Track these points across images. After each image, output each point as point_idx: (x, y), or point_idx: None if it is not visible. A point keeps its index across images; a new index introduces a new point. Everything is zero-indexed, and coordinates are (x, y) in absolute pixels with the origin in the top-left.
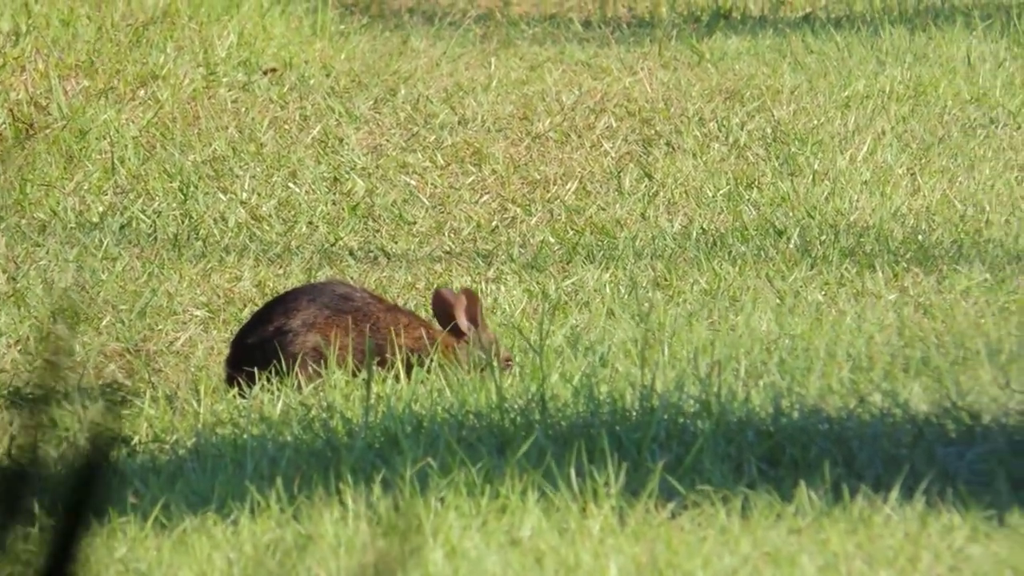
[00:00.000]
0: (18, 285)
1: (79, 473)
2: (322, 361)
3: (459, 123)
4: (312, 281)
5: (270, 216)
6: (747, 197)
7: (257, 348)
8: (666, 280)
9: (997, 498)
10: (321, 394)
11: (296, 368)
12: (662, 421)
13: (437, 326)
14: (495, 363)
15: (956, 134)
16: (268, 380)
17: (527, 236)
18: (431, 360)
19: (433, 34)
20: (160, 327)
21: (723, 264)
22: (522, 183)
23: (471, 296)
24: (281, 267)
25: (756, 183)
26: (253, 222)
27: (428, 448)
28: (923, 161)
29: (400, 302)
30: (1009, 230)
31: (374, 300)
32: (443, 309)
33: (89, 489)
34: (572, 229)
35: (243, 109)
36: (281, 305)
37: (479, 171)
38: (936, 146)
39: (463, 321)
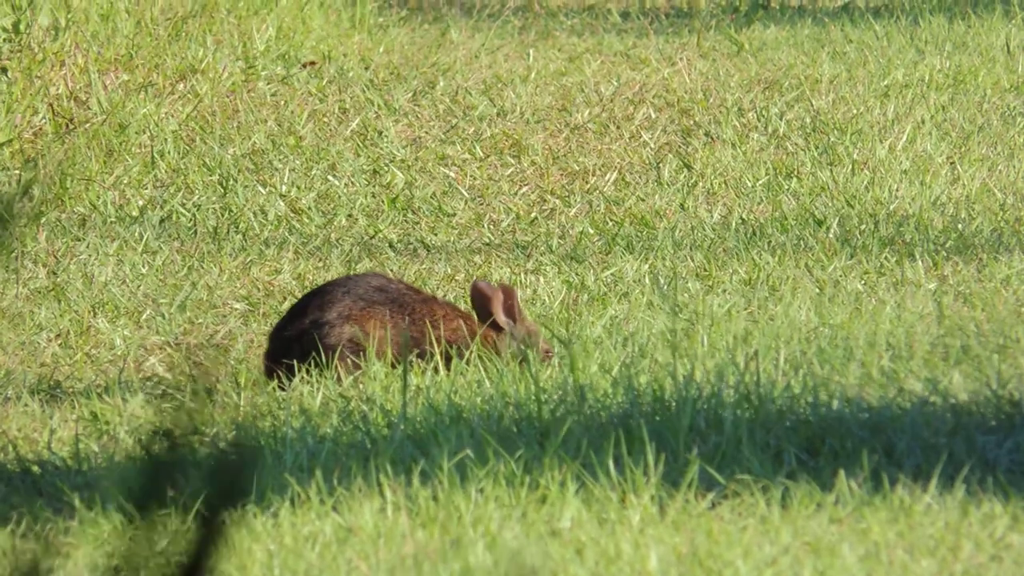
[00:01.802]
0: (58, 279)
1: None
2: (361, 353)
3: (498, 115)
4: (349, 274)
5: (309, 209)
6: (786, 187)
7: (295, 341)
8: (705, 270)
9: None
10: (360, 386)
11: (335, 360)
12: (701, 411)
13: (476, 317)
14: (531, 354)
15: (996, 122)
16: (307, 372)
17: (566, 227)
18: (470, 352)
19: (472, 26)
20: (200, 320)
21: (762, 254)
22: (561, 174)
23: (508, 291)
24: (321, 260)
25: (795, 173)
26: (293, 215)
27: (467, 439)
28: (963, 150)
29: (440, 294)
30: None
31: (410, 291)
32: (480, 303)
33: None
34: (611, 220)
35: (282, 102)
36: (316, 298)
37: (518, 163)
38: (976, 135)
39: (501, 316)
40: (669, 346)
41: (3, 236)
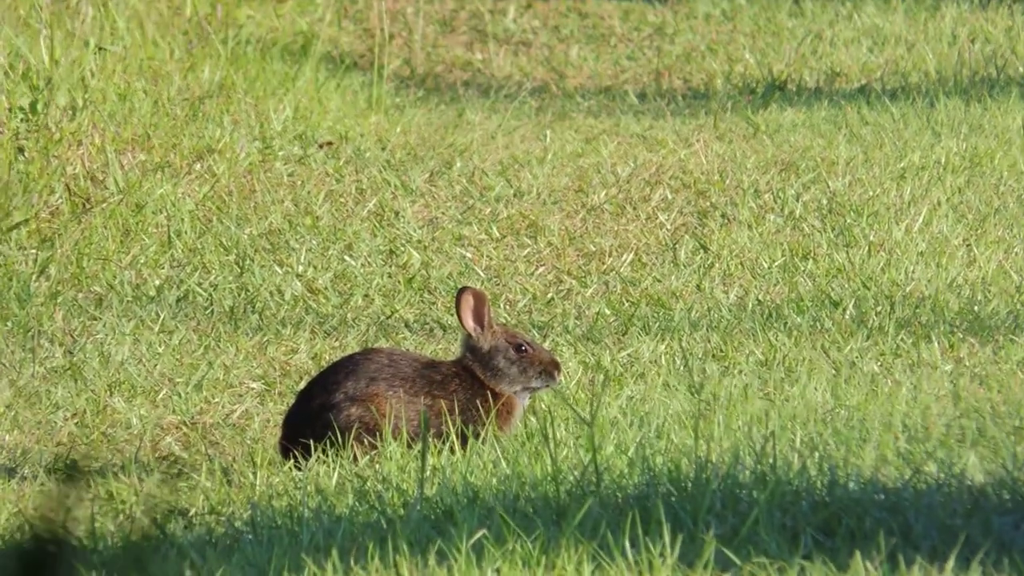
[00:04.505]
0: (75, 358)
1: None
2: (376, 433)
3: (514, 195)
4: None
5: (326, 289)
6: (803, 268)
7: (306, 427)
8: (722, 351)
9: None
10: (376, 466)
11: (351, 441)
12: (717, 492)
13: (479, 372)
14: (536, 383)
15: (1012, 205)
16: (323, 452)
17: (582, 308)
18: (486, 430)
19: (488, 107)
20: (216, 400)
21: (779, 335)
22: (577, 255)
23: (478, 296)
24: (337, 340)
25: (812, 254)
26: (309, 295)
27: (483, 519)
28: (979, 232)
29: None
30: None
31: (408, 359)
32: (459, 308)
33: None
34: (627, 301)
35: (299, 182)
36: (320, 381)
37: (535, 243)
38: (992, 217)
39: (469, 322)
40: (688, 427)
41: (20, 315)
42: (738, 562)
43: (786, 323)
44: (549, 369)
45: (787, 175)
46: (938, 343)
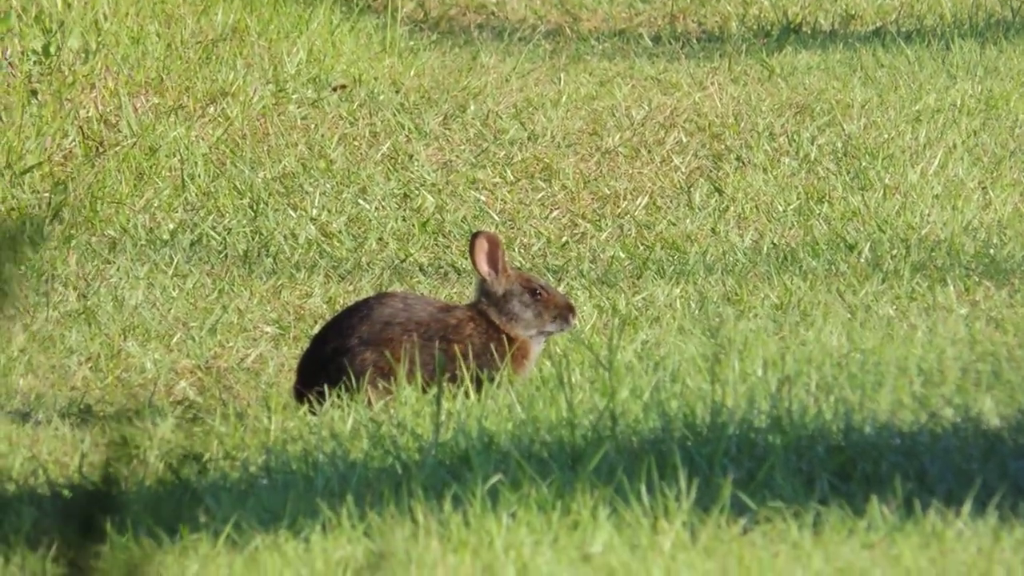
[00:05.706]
0: (89, 302)
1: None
2: (391, 377)
3: (529, 139)
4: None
5: (340, 232)
6: (818, 212)
7: (320, 371)
8: (737, 295)
9: None
10: (391, 411)
11: (366, 385)
12: (733, 436)
13: (493, 316)
14: (552, 328)
15: None
16: (338, 397)
17: (597, 251)
18: (501, 373)
19: (502, 50)
20: (230, 344)
21: (794, 279)
22: (592, 198)
23: (492, 239)
24: (351, 283)
25: (827, 197)
26: (323, 238)
27: (499, 464)
28: (994, 174)
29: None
30: None
31: (423, 304)
32: (473, 252)
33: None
34: (642, 244)
35: (313, 125)
36: (335, 326)
37: (549, 187)
38: (1007, 159)
39: (483, 266)
40: (704, 372)
41: (34, 259)
42: (754, 507)
43: (801, 266)
44: (564, 313)
45: (802, 118)
46: (953, 286)
